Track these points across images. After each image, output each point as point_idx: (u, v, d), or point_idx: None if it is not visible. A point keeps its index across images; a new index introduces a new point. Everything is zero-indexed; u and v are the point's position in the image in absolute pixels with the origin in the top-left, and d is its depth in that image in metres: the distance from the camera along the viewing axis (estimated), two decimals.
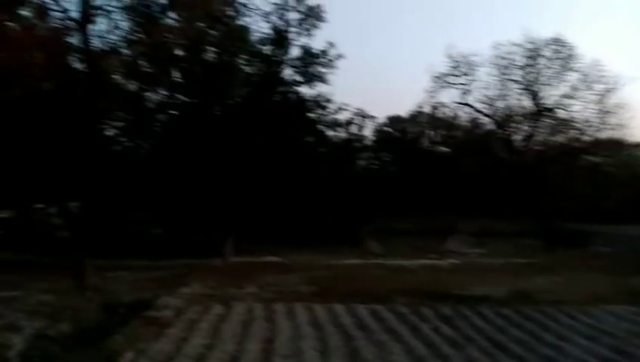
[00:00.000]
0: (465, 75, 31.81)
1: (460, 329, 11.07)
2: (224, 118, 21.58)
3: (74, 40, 15.87)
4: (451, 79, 32.00)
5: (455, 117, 40.00)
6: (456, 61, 31.48)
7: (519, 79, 31.20)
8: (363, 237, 34.95)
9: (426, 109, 40.11)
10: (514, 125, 33.12)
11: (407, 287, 15.56)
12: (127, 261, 22.98)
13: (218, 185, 21.73)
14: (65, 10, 14.65)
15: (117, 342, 10.07)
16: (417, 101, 46.87)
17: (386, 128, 46.50)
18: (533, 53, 29.86)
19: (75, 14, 14.53)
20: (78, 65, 16.92)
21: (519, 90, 31.78)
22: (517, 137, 33.11)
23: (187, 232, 33.11)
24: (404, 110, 45.73)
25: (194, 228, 32.91)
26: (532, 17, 68.48)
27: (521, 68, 30.77)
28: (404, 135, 47.07)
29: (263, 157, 21.96)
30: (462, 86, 32.20)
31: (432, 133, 47.54)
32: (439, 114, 39.38)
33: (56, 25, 14.92)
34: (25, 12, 15.60)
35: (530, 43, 29.64)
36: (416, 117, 45.72)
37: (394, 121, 46.75)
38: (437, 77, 32.17)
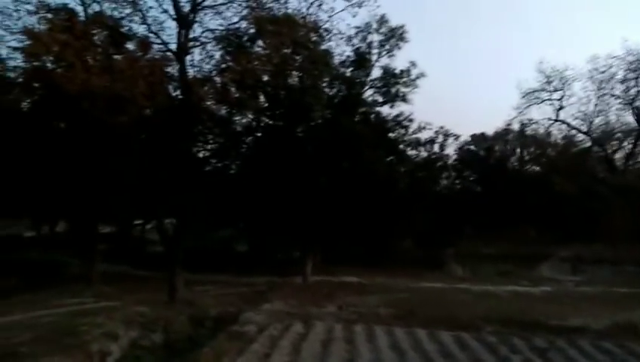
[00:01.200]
0: (558, 90, 29.93)
1: None
2: (306, 139, 22.11)
3: (172, 70, 17.34)
4: (543, 95, 30.24)
5: (547, 134, 37.71)
6: (549, 76, 29.78)
7: (620, 94, 28.77)
8: (445, 259, 33.81)
9: (515, 127, 38.18)
10: (614, 142, 30.45)
11: (495, 315, 14.74)
12: (213, 275, 24.14)
13: (300, 204, 22.17)
14: (165, 43, 16.05)
15: (205, 355, 10.52)
16: (505, 118, 45.02)
17: (470, 147, 44.90)
18: (635, 66, 27.44)
19: (173, 46, 15.86)
20: (175, 93, 18.41)
21: (620, 106, 29.30)
22: (617, 155, 30.39)
23: (269, 250, 34.17)
24: (489, 128, 43.93)
25: (275, 245, 33.89)
26: (633, 28, 63.51)
27: (622, 82, 28.41)
28: (489, 154, 45.08)
29: (343, 177, 22.12)
30: (554, 102, 30.29)
31: (522, 151, 45.10)
32: (529, 131, 37.29)
33: (157, 57, 16.39)
34: (130, 46, 17.35)
35: (632, 55, 27.32)
36: (503, 135, 43.67)
37: (479, 139, 44.98)
38: (527, 93, 30.62)
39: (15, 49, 14.82)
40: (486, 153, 45.04)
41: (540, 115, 33.87)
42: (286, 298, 18.07)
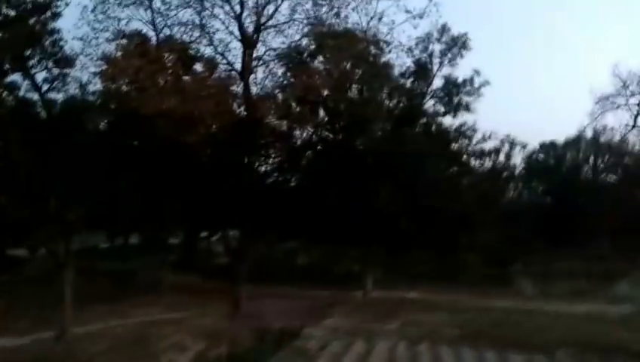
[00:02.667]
0: (635, 94, 27.86)
1: None
2: (366, 152, 22.01)
3: (236, 88, 17.99)
4: (619, 100, 28.25)
5: (623, 142, 35.20)
6: (625, 80, 27.81)
7: None
8: (513, 276, 32.18)
9: (588, 134, 35.96)
10: None
11: (570, 337, 13.79)
12: (275, 288, 24.44)
13: (359, 218, 22.04)
14: (230, 64, 16.73)
15: None
16: (577, 125, 42.54)
17: (538, 156, 42.79)
18: None
19: (238, 66, 16.49)
20: (239, 110, 19.03)
21: None
22: None
23: (329, 263, 34.16)
24: (560, 136, 41.56)
25: (336, 259, 33.83)
26: None
27: None
28: (560, 163, 42.69)
29: (404, 190, 21.75)
30: (632, 107, 28.21)
31: (595, 160, 42.32)
32: (604, 139, 34.96)
33: (223, 76, 17.08)
34: (198, 67, 18.20)
35: None
36: (574, 143, 41.26)
37: (548, 147, 42.77)
38: (601, 98, 28.76)
39: (95, 74, 16.04)
40: (556, 162, 42.70)
41: (616, 121, 31.58)
42: (347, 313, 17.97)
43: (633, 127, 28.93)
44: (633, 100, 28.28)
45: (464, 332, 14.71)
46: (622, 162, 37.58)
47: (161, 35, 16.24)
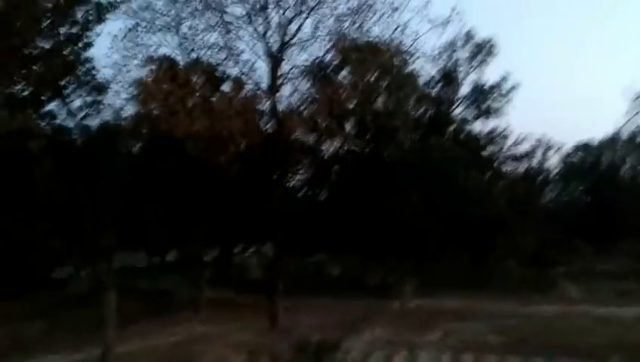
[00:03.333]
0: None
1: None
2: (395, 162, 21.94)
3: (263, 106, 18.29)
4: None
5: None
6: None
7: None
8: (555, 279, 31.17)
9: (625, 134, 34.78)
10: None
11: (622, 342, 13.24)
12: (309, 300, 24.38)
13: (390, 228, 21.90)
14: (257, 83, 17.04)
15: None
16: (611, 126, 41.34)
17: (574, 157, 41.62)
18: None
19: (264, 84, 16.79)
20: (266, 127, 19.33)
21: None
22: None
23: (362, 274, 33.92)
24: (596, 135, 40.43)
25: (369, 269, 33.58)
26: None
27: None
28: (597, 163, 41.40)
29: (436, 198, 21.52)
30: None
31: (635, 159, 40.87)
32: None
33: (249, 95, 17.39)
34: (224, 87, 18.61)
35: None
36: (612, 143, 40.03)
37: (584, 148, 41.62)
38: (637, 96, 27.76)
39: (127, 99, 16.62)
40: (594, 162, 41.46)
41: None
42: (385, 324, 17.74)
43: None
44: None
45: (508, 339, 14.31)
46: None
47: (189, 59, 16.72)
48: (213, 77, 16.90)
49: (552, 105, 71.71)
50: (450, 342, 14.61)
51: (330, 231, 24.42)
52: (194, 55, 16.63)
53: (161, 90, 14.23)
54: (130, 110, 17.46)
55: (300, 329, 16.75)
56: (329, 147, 23.77)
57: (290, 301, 20.70)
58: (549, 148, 33.36)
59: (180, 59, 16.89)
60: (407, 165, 21.09)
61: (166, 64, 15.86)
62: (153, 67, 16.12)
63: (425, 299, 23.97)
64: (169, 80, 14.46)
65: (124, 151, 19.35)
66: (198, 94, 15.56)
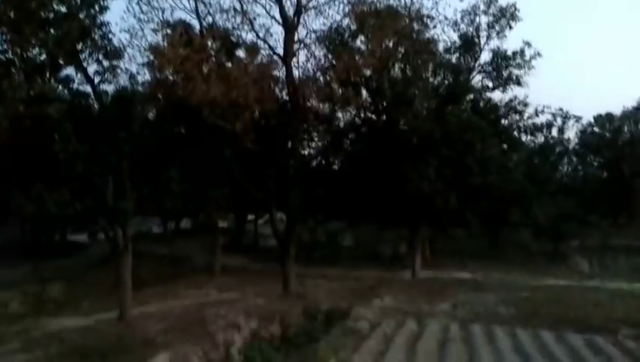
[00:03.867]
0: None
1: None
2: (411, 131, 21.59)
3: (278, 72, 18.05)
4: None
5: None
6: None
7: None
8: (568, 253, 31.03)
9: None
10: None
11: (633, 316, 13.22)
12: (322, 269, 24.74)
13: (405, 197, 21.77)
14: (272, 48, 16.74)
15: (321, 350, 10.80)
16: (635, 96, 40.13)
17: (593, 129, 40.70)
18: None
19: (279, 50, 16.47)
20: (282, 94, 19.13)
21: None
22: None
23: (375, 244, 34.10)
24: (616, 108, 39.32)
25: (382, 239, 33.70)
26: None
27: None
28: (617, 135, 40.45)
29: (452, 168, 21.23)
30: None
31: None
32: None
33: (265, 61, 17.14)
34: (240, 53, 18.34)
35: None
36: (633, 114, 38.95)
37: (604, 120, 40.61)
38: None
39: (142, 65, 16.47)
40: (613, 135, 40.50)
41: None
42: (396, 294, 17.93)
43: None
44: None
45: (519, 311, 14.40)
46: None
47: (204, 24, 16.45)
48: (228, 42, 16.62)
49: (575, 75, 69.87)
50: (460, 312, 14.74)
51: (344, 200, 24.38)
52: (209, 19, 16.38)
53: (176, 55, 14.05)
54: (146, 75, 17.40)
55: (312, 297, 17.06)
56: (344, 115, 23.49)
57: (302, 268, 20.98)
58: (567, 119, 32.52)
59: (196, 24, 16.68)
60: (424, 134, 20.72)
61: (181, 28, 15.61)
62: (168, 31, 15.91)
63: (437, 269, 24.14)
64: (184, 45, 14.26)
65: (140, 117, 19.37)
66: (213, 60, 15.35)
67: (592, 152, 40.86)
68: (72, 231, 32.80)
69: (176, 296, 17.85)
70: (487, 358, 10.26)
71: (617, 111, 39.69)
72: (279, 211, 21.87)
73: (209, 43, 15.32)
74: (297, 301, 16.50)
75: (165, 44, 14.95)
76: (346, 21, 16.78)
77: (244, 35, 17.27)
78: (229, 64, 16.65)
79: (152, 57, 15.78)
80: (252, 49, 16.94)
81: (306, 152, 24.70)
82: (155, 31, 15.69)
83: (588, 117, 40.06)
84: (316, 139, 23.67)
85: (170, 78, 16.10)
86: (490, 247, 30.92)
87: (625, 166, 38.87)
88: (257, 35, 16.35)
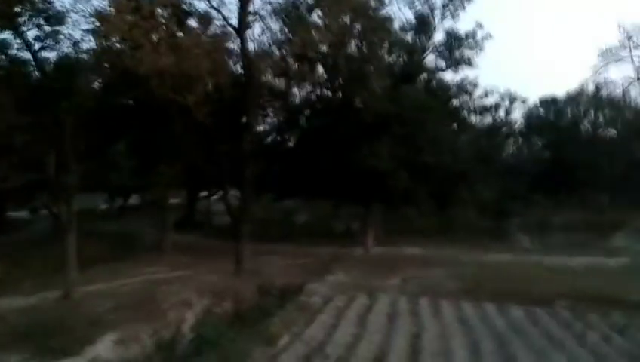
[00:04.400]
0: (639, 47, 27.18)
1: (636, 341, 9.67)
2: (366, 109, 21.72)
3: (232, 45, 17.51)
4: (622, 52, 27.60)
5: (625, 95, 34.80)
6: (629, 32, 27.07)
7: None
8: (511, 230, 32.61)
9: (589, 88, 35.45)
10: None
11: (569, 289, 14.10)
12: (276, 246, 24.79)
13: (358, 175, 22.04)
14: (225, 19, 16.16)
15: (274, 325, 10.87)
16: (578, 79, 42.02)
17: (538, 111, 42.47)
18: None
19: (233, 21, 15.96)
20: (235, 68, 18.65)
21: None
22: None
23: (329, 221, 34.48)
24: (561, 90, 41.15)
25: (336, 216, 34.11)
26: None
27: None
28: (560, 118, 42.45)
29: (404, 146, 21.63)
30: (635, 59, 27.59)
31: (596, 114, 42.07)
32: (605, 93, 34.52)
33: (218, 32, 16.56)
34: (191, 23, 17.61)
35: None
36: (576, 97, 40.88)
37: (548, 102, 42.40)
38: (604, 51, 28.06)
39: (87, 31, 15.49)
40: (556, 117, 42.47)
41: (619, 74, 30.97)
42: (348, 269, 18.27)
43: (637, 79, 28.29)
44: (637, 53, 27.54)
45: (464, 286, 15.03)
46: (622, 116, 37.29)
47: None
48: (179, 10, 15.90)
49: (524, 59, 72.41)
50: (409, 287, 15.21)
51: (298, 177, 24.38)
52: None
53: (124, 21, 13.28)
54: (90, 43, 16.41)
55: (265, 274, 17.07)
56: (300, 92, 23.27)
57: (256, 246, 20.91)
58: (513, 101, 33.76)
59: None
60: (378, 112, 20.90)
61: None
62: None
63: (389, 246, 24.74)
64: (132, 11, 13.50)
65: (84, 87, 18.40)
66: (164, 28, 14.65)
67: (537, 133, 42.75)
68: (12, 207, 31.07)
69: (125, 275, 17.32)
70: (432, 330, 10.67)
71: (561, 94, 41.57)
72: (233, 188, 21.59)
73: (159, 10, 14.57)
74: (251, 278, 16.46)
75: (112, 9, 14.08)
76: None
77: (196, 3, 16.61)
78: (181, 34, 15.94)
79: (97, 23, 14.85)
80: (205, 19, 16.30)
81: (261, 128, 24.43)
82: None
83: (533, 99, 41.64)
84: (271, 115, 23.38)
85: (117, 45, 15.28)
86: (440, 224, 31.94)
87: (566, 147, 41.00)
88: (210, 5, 15.76)
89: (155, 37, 14.36)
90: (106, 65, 16.42)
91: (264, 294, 15.26)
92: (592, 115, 42.43)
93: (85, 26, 15.25)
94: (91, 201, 35.88)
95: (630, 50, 27.48)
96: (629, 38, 27.07)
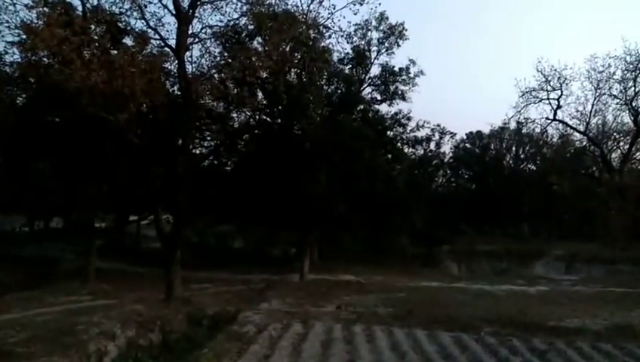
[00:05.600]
0: (556, 89, 29.77)
1: None
2: (304, 137, 22.00)
3: (170, 66, 17.18)
4: (541, 94, 30.08)
5: (544, 133, 37.83)
6: (547, 75, 29.62)
7: (617, 94, 28.66)
8: (441, 257, 33.92)
9: (512, 125, 38.22)
10: (610, 143, 30.48)
11: (494, 315, 14.71)
12: (210, 272, 24.06)
13: (296, 201, 22.11)
14: (163, 39, 15.86)
15: (204, 356, 10.41)
16: (501, 117, 45.18)
17: (466, 145, 45.08)
18: (634, 66, 27.34)
19: (172, 42, 15.66)
20: (173, 89, 18.25)
21: (617, 105, 29.22)
22: (614, 155, 30.39)
23: (265, 247, 34.10)
24: (487, 127, 44.05)
25: (272, 242, 33.82)
26: (632, 27, 63.94)
27: (620, 81, 28.24)
28: (485, 152, 45.29)
29: (341, 175, 22.05)
30: (552, 101, 30.15)
31: (517, 150, 45.32)
32: (526, 130, 37.35)
33: (155, 52, 16.18)
34: (127, 41, 17.12)
35: (630, 55, 27.16)
36: (499, 133, 43.87)
37: (475, 137, 45.24)
38: (525, 92, 30.47)
39: (12, 43, 14.60)
40: (482, 151, 45.29)
41: (538, 114, 33.77)
42: (284, 297, 18.00)
43: (553, 120, 30.87)
44: (553, 95, 30.08)
45: (396, 311, 15.25)
46: (541, 152, 40.37)
47: (88, 5, 15.09)
48: (114, 28, 15.42)
49: (453, 95, 76.96)
50: (344, 313, 15.22)
51: (235, 202, 24.03)
52: (94, 1, 15.06)
53: (53, 35, 12.64)
54: (15, 56, 15.45)
55: (197, 302, 16.43)
56: (239, 116, 23.17)
57: (189, 273, 20.16)
58: (444, 134, 35.67)
59: (78, 5, 15.24)
60: (317, 140, 21.24)
61: (61, 7, 14.14)
62: (46, 9, 14.29)
63: (324, 272, 24.77)
64: (63, 25, 12.90)
65: (6, 101, 17.21)
66: (96, 45, 14.10)
67: (464, 166, 45.24)
68: None
69: (42, 303, 15.99)
70: (367, 357, 10.67)
71: (486, 130, 44.43)
72: (166, 212, 20.83)
73: (92, 26, 14.05)
74: (181, 306, 15.75)
75: (40, 22, 13.38)
76: (243, 20, 16.55)
77: (132, 22, 16.20)
78: (115, 51, 15.42)
79: (23, 36, 14.05)
80: (141, 37, 15.89)
81: (198, 151, 23.92)
82: (29, 7, 14.01)
83: (461, 134, 44.22)
84: (209, 138, 23.02)
85: (45, 60, 14.49)
86: (374, 251, 32.57)
87: (490, 179, 43.63)
88: (148, 24, 15.43)
89: (87, 53, 13.79)
90: (32, 79, 15.51)
91: (195, 324, 14.65)
92: (514, 151, 45.70)
93: (10, 38, 14.39)
94: (8, 223, 33.23)
95: (547, 93, 29.88)
96: (547, 81, 29.51)
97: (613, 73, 28.11)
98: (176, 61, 15.94)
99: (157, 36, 15.86)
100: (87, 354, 11.01)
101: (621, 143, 30.24)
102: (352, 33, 24.61)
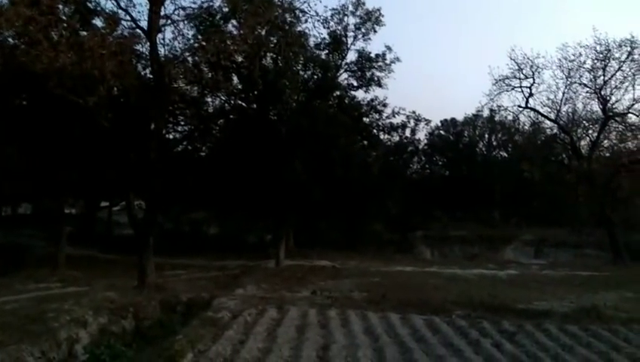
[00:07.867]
0: (528, 77, 30.21)
1: (523, 346, 10.52)
2: (280, 122, 21.88)
3: (142, 48, 16.72)
4: (513, 82, 30.46)
5: (515, 121, 38.49)
6: (520, 63, 30.02)
7: (587, 82, 29.27)
8: (414, 242, 34.49)
9: (485, 113, 38.74)
10: (580, 130, 31.23)
11: (465, 298, 15.05)
12: (184, 259, 23.87)
13: (273, 187, 22.03)
14: (134, 20, 15.39)
15: (178, 342, 10.36)
16: (475, 104, 45.82)
17: (440, 132, 45.60)
18: (604, 55, 27.93)
19: (143, 24, 15.23)
20: (145, 72, 17.82)
21: (587, 94, 29.86)
22: (583, 143, 31.15)
23: (241, 233, 33.96)
24: (461, 114, 44.66)
25: (248, 229, 33.70)
26: (603, 17, 65.40)
27: (590, 70, 28.80)
28: (459, 139, 45.93)
29: (317, 161, 22.06)
30: (524, 89, 30.61)
31: (490, 137, 46.11)
32: (499, 117, 37.94)
33: (126, 34, 15.70)
34: (97, 22, 16.57)
35: (600, 44, 27.73)
36: (473, 121, 44.49)
37: (449, 124, 45.78)
38: (498, 80, 30.84)
39: None
40: (455, 138, 45.91)
41: (510, 102, 34.20)
42: (259, 282, 18.02)
43: (525, 107, 31.37)
44: (526, 83, 30.44)
45: (370, 296, 15.46)
46: (513, 139, 41.10)
47: None
48: (83, 7, 14.89)
49: (428, 82, 77.59)
50: (319, 298, 15.34)
51: (210, 188, 23.80)
52: None
53: (19, 14, 12.13)
54: None
55: (171, 289, 16.30)
56: (214, 100, 22.83)
57: (163, 259, 19.95)
58: (419, 121, 35.96)
59: None
60: (293, 126, 21.15)
61: None
62: None
63: (300, 258, 24.87)
64: (29, 5, 12.38)
65: None
66: (65, 25, 13.59)
67: (438, 152, 45.79)
68: None
69: (11, 290, 15.59)
70: (341, 340, 10.81)
71: (460, 117, 45.00)
72: (138, 198, 20.46)
73: (60, 6, 13.53)
74: (155, 293, 15.59)
75: (5, 1, 12.83)
76: (218, 2, 16.18)
77: (102, 2, 15.70)
78: (84, 32, 14.92)
79: None
80: (111, 19, 15.39)
81: (171, 136, 23.54)
82: None
83: (436, 121, 44.70)
84: (182, 123, 22.64)
85: (10, 41, 13.93)
86: (349, 237, 32.84)
87: (463, 166, 44.33)
88: (118, 4, 14.94)
89: (54, 34, 13.30)
90: None
91: (168, 310, 14.55)
92: (487, 138, 46.46)
93: None
94: None
95: (520, 81, 30.29)
96: (520, 69, 29.89)
97: (584, 62, 28.57)
98: (148, 43, 15.53)
99: (128, 17, 15.36)
100: (57, 342, 10.84)
101: (590, 131, 30.93)
102: (329, 18, 24.39)
